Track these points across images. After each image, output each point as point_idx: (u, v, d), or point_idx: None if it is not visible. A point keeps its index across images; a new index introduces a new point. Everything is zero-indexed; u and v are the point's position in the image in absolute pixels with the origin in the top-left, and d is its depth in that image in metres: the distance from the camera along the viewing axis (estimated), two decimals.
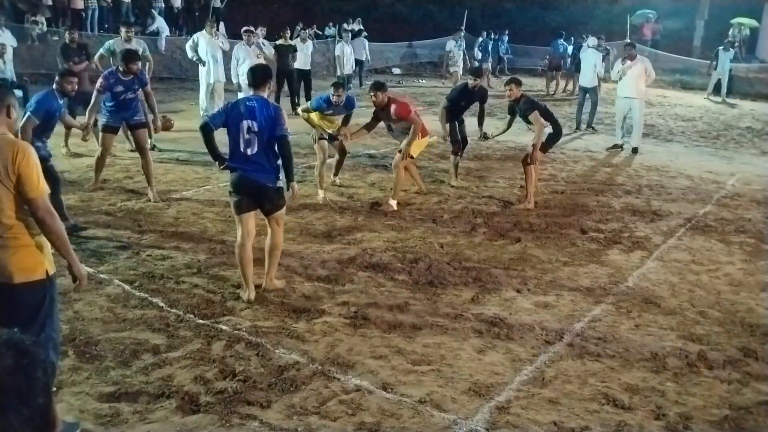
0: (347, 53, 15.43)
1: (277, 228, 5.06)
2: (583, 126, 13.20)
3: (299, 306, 4.74)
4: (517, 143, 11.19)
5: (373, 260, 5.68)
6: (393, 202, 7.19)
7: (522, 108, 7.48)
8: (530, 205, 7.49)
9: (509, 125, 8.00)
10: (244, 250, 4.90)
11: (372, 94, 7.18)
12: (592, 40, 14.74)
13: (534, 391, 3.81)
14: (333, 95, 7.23)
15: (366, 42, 18.67)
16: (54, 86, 6.39)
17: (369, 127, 7.57)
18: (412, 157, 7.46)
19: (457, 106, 8.31)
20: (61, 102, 6.44)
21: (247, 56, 11.11)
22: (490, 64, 19.90)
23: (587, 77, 13.25)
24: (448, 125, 8.26)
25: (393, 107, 7.10)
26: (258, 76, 5.03)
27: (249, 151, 4.80)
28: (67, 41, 9.30)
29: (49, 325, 3.06)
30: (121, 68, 7.13)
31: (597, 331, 4.61)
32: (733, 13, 25.71)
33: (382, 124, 7.53)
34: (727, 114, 16.66)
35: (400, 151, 7.28)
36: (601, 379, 3.98)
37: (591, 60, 13.30)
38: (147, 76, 7.62)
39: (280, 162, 4.92)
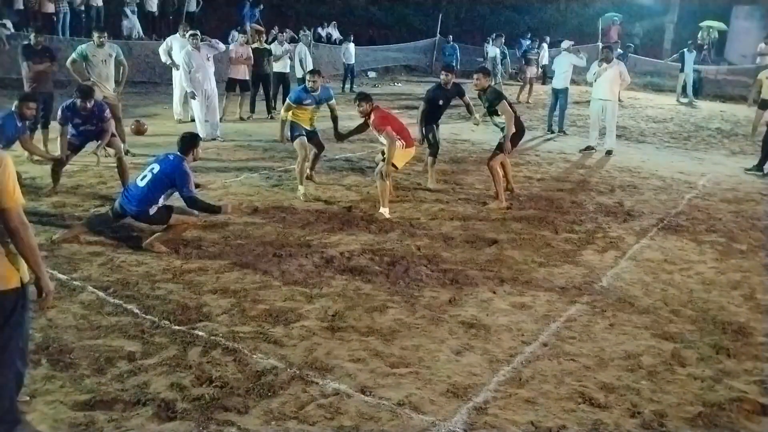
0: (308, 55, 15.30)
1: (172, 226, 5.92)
2: (555, 128, 13.34)
3: (276, 310, 4.72)
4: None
5: (351, 263, 5.68)
6: (385, 211, 7.05)
7: (489, 98, 7.63)
8: (502, 204, 7.57)
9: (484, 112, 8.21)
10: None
11: (357, 103, 7.26)
12: (565, 44, 14.90)
13: (511, 392, 3.84)
14: (309, 81, 7.72)
15: (353, 47, 18.83)
16: (13, 109, 6.48)
17: (358, 129, 7.72)
18: (395, 168, 7.28)
19: (434, 106, 8.35)
20: (20, 125, 6.48)
21: (196, 61, 10.87)
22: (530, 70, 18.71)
23: (559, 80, 13.40)
24: (425, 128, 8.33)
25: (373, 117, 7.17)
26: (185, 142, 5.96)
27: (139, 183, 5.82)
28: (32, 42, 9.14)
29: (18, 335, 3.00)
30: (77, 103, 7.17)
31: (572, 330, 4.66)
32: (702, 16, 26.19)
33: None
34: (697, 115, 16.95)
35: (383, 160, 7.20)
36: (577, 378, 4.03)
37: (564, 63, 13.47)
38: (106, 112, 7.48)
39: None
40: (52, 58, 9.09)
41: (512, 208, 7.63)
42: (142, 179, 5.82)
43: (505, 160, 8.07)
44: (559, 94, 13.30)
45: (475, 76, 7.87)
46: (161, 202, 5.86)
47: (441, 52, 19.32)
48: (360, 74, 21.67)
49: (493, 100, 7.61)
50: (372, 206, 7.39)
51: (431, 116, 8.38)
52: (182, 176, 5.81)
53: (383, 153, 7.26)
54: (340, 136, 7.94)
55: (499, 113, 7.61)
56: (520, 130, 7.88)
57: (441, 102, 8.38)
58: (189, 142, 5.98)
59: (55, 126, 8.72)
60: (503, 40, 19.21)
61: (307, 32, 19.90)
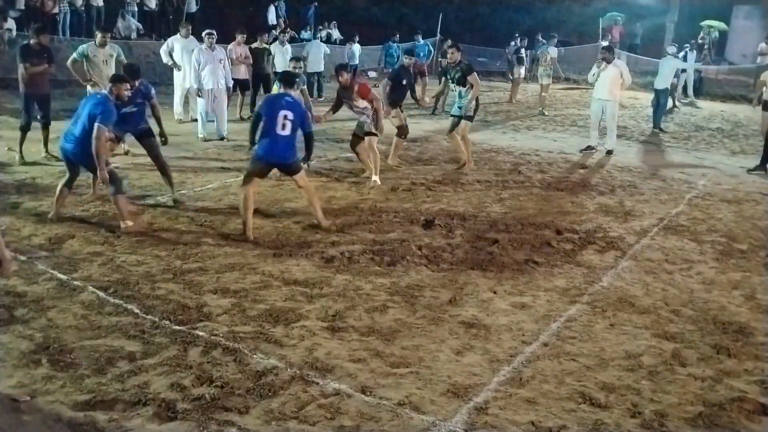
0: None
1: None
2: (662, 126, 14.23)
3: (276, 310, 4.72)
4: (492, 146, 11.27)
5: (351, 263, 5.68)
6: (377, 179, 8.20)
7: (462, 68, 8.88)
8: (471, 165, 9.22)
9: (445, 86, 9.63)
10: None
11: (338, 74, 8.20)
12: (671, 48, 16.11)
13: (511, 392, 3.83)
14: (292, 67, 8.73)
15: (358, 47, 18.95)
16: (107, 92, 6.44)
17: (335, 108, 8.51)
18: (376, 135, 8.28)
19: (398, 83, 9.31)
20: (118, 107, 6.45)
21: (207, 60, 10.92)
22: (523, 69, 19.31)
23: (661, 81, 14.34)
24: (394, 111, 9.18)
25: (356, 87, 8.07)
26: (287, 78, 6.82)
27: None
28: (31, 42, 9.15)
29: None
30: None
31: (573, 330, 4.66)
32: (703, 16, 26.15)
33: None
34: (697, 115, 16.94)
35: (357, 136, 8.41)
36: (577, 378, 4.02)
37: (667, 66, 14.52)
38: (153, 91, 7.34)
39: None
40: (50, 60, 9.09)
41: (511, 208, 7.63)
42: (283, 128, 6.24)
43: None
44: (660, 94, 14.23)
45: (449, 50, 9.18)
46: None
47: (386, 52, 19.16)
48: (360, 74, 21.68)
49: (466, 70, 8.86)
50: (372, 205, 7.39)
51: (396, 97, 9.26)
52: (307, 112, 6.65)
53: (356, 133, 8.39)
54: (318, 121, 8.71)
55: (468, 83, 8.83)
56: (477, 105, 9.25)
57: (405, 81, 9.35)
58: (294, 78, 6.86)
59: (55, 126, 8.75)
60: (557, 40, 18.88)
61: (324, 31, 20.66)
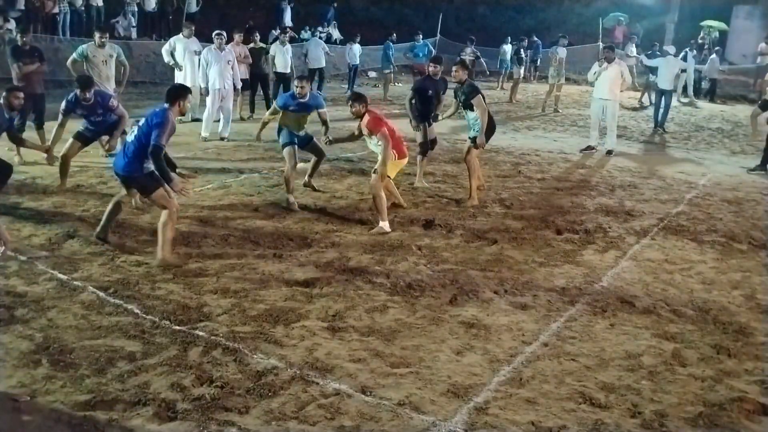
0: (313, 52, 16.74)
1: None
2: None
3: (277, 310, 4.72)
4: (492, 146, 11.25)
5: (351, 264, 5.68)
6: (384, 224, 6.66)
7: (465, 91, 7.69)
8: (475, 202, 7.68)
9: (457, 108, 8.21)
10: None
11: (350, 104, 7.05)
12: (671, 48, 16.03)
13: (512, 392, 3.83)
14: (296, 87, 7.49)
15: (359, 47, 19.01)
16: (1, 101, 6.63)
17: (350, 138, 7.44)
18: (388, 177, 7.08)
19: (423, 96, 8.30)
20: (8, 116, 6.56)
21: (216, 60, 10.94)
22: (522, 70, 19.51)
23: (666, 80, 14.29)
24: (421, 126, 8.31)
25: (366, 119, 6.84)
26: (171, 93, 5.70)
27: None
28: (19, 43, 9.11)
29: None
30: (78, 93, 7.30)
31: (573, 330, 4.66)
32: (703, 16, 26.16)
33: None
34: (697, 115, 16.94)
35: (374, 172, 6.82)
36: (577, 378, 4.02)
37: (672, 66, 14.48)
38: (113, 101, 7.55)
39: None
40: (41, 59, 9.07)
41: (512, 207, 7.63)
42: (131, 134, 5.59)
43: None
44: (665, 94, 14.22)
45: (453, 68, 7.88)
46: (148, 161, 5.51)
47: (384, 51, 19.22)
48: (360, 74, 21.67)
49: (469, 93, 7.64)
50: (373, 206, 7.37)
51: (423, 110, 8.31)
52: (161, 124, 5.43)
53: (375, 172, 6.91)
54: (329, 141, 7.53)
55: (474, 107, 7.62)
56: (491, 127, 7.88)
57: (431, 92, 8.33)
58: (175, 92, 5.71)
59: (50, 127, 8.74)
60: (567, 42, 18.76)
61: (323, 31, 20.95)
